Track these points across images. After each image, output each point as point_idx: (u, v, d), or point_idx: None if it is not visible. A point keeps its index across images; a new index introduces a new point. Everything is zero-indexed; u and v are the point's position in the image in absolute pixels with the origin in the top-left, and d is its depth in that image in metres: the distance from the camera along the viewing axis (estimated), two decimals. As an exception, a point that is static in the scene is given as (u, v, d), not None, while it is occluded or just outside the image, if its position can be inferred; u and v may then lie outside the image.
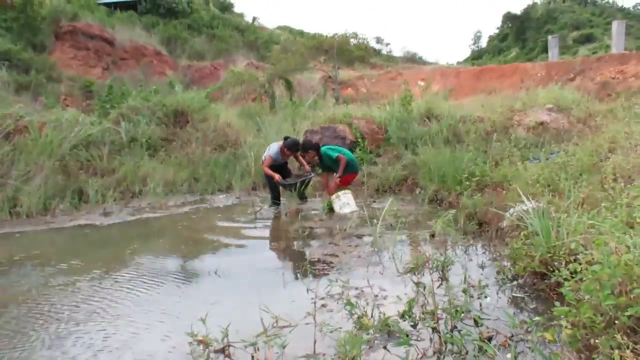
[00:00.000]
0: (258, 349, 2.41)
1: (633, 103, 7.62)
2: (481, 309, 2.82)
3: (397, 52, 42.77)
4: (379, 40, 42.82)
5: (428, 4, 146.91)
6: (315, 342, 2.46)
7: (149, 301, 3.34)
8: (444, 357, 2.34)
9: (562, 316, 2.21)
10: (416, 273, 3.54)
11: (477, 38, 64.83)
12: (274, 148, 6.35)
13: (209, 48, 23.37)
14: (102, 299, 3.38)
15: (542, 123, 7.83)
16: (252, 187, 7.80)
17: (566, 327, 2.16)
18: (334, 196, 5.82)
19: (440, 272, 3.49)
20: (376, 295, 3.19)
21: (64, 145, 7.48)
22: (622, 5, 60.57)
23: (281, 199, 6.53)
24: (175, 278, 3.81)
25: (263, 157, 6.45)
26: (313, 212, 6.12)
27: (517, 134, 7.33)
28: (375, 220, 4.58)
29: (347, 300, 2.78)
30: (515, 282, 3.23)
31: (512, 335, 2.46)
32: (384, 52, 40.18)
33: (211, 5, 29.89)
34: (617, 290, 2.13)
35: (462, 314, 2.59)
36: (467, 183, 5.40)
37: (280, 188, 6.44)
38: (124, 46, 20.17)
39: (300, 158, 6.60)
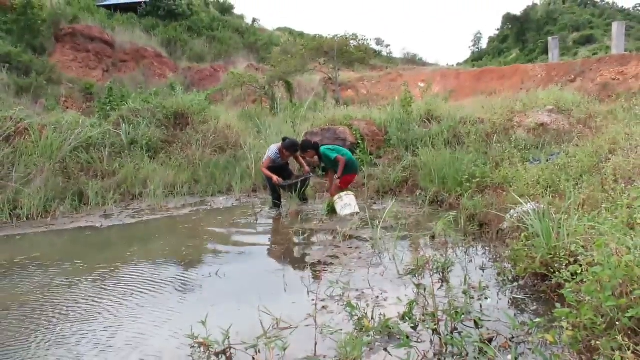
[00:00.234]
0: (259, 351, 2.41)
1: (633, 104, 7.62)
2: (482, 311, 2.82)
3: (397, 54, 42.98)
4: (379, 42, 43.03)
5: (428, 5, 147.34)
6: (316, 343, 2.47)
7: (151, 303, 3.34)
8: (444, 358, 2.34)
9: (562, 317, 2.21)
10: (417, 275, 3.55)
11: (477, 39, 65.03)
12: (273, 149, 6.36)
13: (209, 50, 23.42)
14: (104, 300, 3.38)
15: (542, 124, 7.83)
16: (252, 189, 7.79)
17: (567, 329, 2.16)
18: (336, 197, 5.80)
19: (441, 273, 3.49)
20: (377, 297, 3.20)
21: (64, 148, 7.49)
22: (622, 7, 60.77)
23: (282, 200, 6.53)
24: (175, 280, 3.81)
25: (263, 159, 6.46)
26: (314, 213, 6.12)
27: (517, 135, 7.33)
28: (376, 222, 4.57)
29: (347, 301, 2.79)
30: (515, 284, 3.23)
31: (513, 337, 2.46)
32: (384, 53, 40.36)
33: (211, 7, 29.97)
34: (618, 292, 2.13)
35: (463, 316, 2.59)
36: (468, 184, 5.40)
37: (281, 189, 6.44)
38: (124, 48, 20.23)
39: (300, 159, 6.60)
